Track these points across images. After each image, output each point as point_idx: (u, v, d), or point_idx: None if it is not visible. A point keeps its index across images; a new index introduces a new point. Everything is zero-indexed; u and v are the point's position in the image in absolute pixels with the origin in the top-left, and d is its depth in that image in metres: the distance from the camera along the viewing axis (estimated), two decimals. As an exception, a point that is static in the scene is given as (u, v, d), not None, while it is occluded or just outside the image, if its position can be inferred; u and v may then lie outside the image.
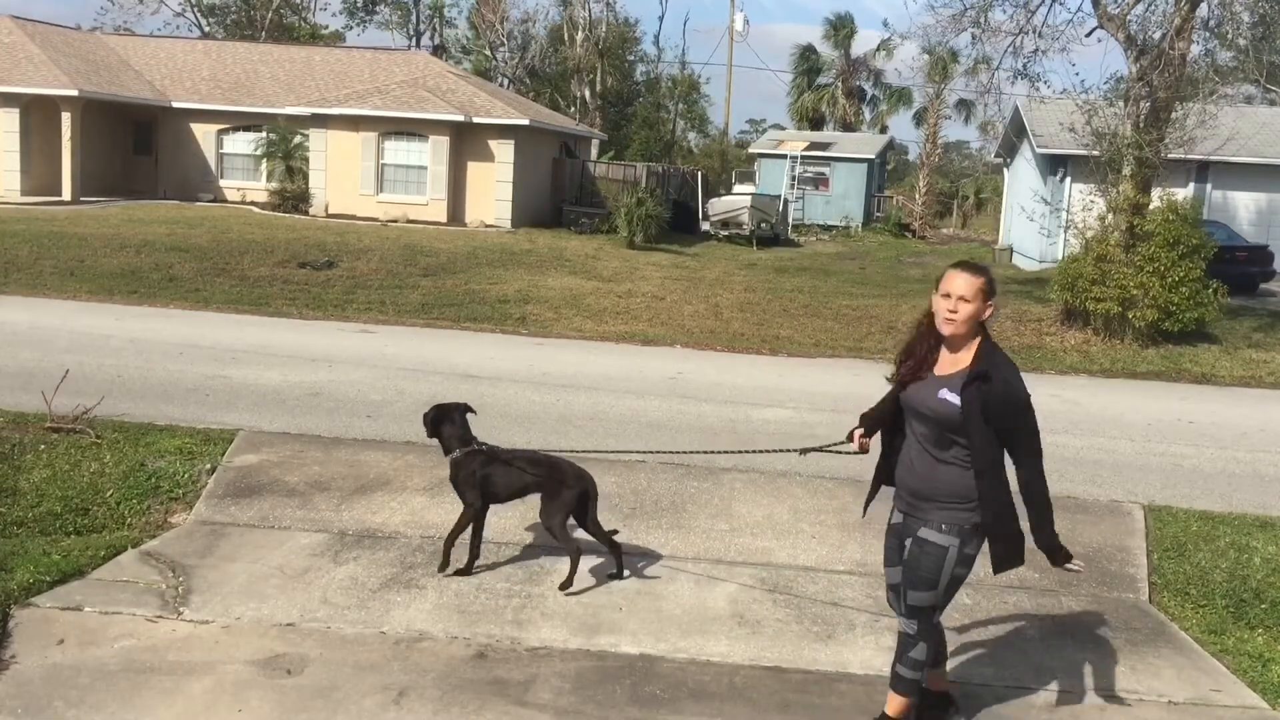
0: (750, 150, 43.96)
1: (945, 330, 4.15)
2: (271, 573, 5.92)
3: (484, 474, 5.83)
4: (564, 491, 5.74)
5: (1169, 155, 16.12)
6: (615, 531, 6.12)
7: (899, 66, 47.47)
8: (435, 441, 6.03)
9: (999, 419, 4.05)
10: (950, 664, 5.28)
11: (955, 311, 4.11)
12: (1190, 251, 14.94)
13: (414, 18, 53.68)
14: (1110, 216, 15.89)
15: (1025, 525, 4.20)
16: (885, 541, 4.54)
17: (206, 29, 49.98)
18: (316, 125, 26.61)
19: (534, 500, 7.12)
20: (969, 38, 17.54)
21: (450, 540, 5.97)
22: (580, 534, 5.92)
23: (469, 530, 5.99)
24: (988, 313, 4.14)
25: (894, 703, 4.43)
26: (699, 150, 51.58)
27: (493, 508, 6.17)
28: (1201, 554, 6.82)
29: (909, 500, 4.33)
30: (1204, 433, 10.29)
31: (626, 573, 6.10)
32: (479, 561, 6.09)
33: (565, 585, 5.78)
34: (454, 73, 31.67)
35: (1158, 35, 15.63)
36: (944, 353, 4.23)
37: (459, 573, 5.98)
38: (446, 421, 5.93)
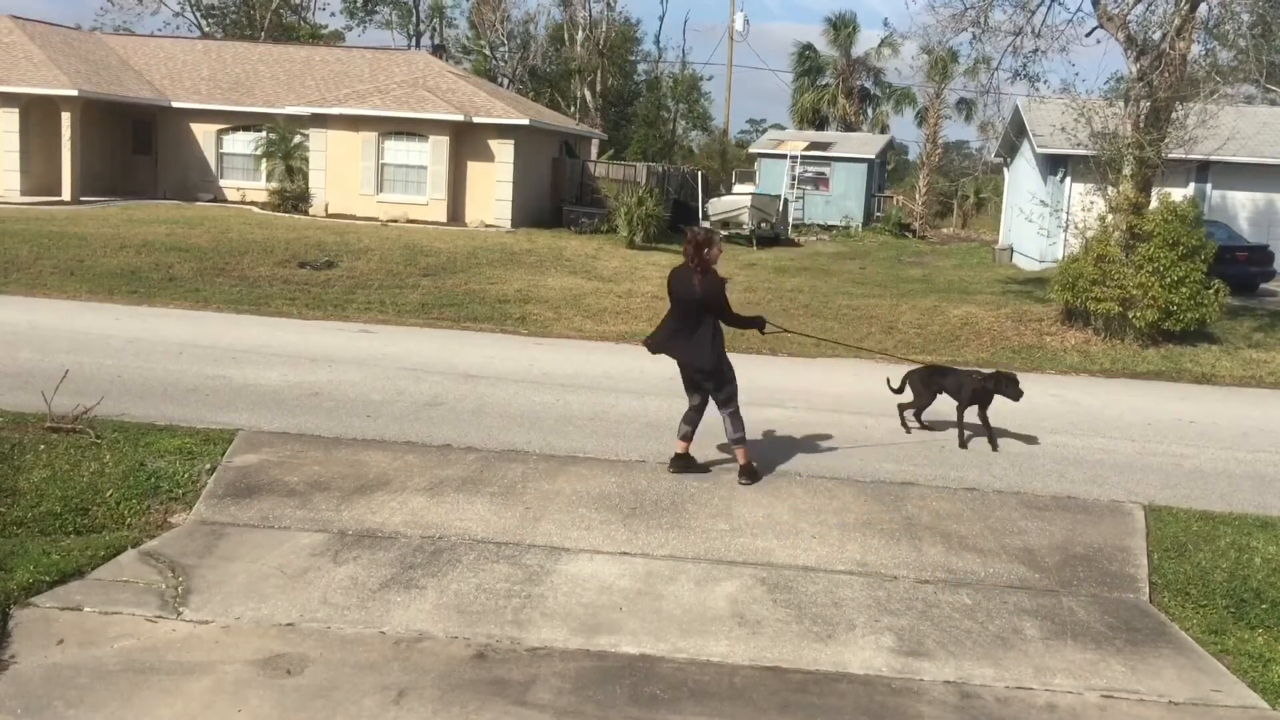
0: (750, 150, 43.85)
1: None
2: (271, 573, 5.92)
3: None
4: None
5: (1169, 155, 16.09)
6: None
7: (900, 66, 47.35)
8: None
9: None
10: (951, 664, 5.29)
11: None
12: (1190, 252, 14.91)
13: (414, 17, 53.72)
14: (1110, 216, 15.87)
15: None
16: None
17: (205, 29, 49.99)
18: (316, 125, 26.59)
19: (531, 499, 7.12)
20: (969, 37, 17.49)
21: None
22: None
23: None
24: (712, 253, 7.60)
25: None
26: (699, 150, 51.53)
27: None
28: (1202, 554, 6.82)
29: None
30: (1204, 433, 10.28)
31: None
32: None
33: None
34: (454, 72, 31.65)
35: (1158, 35, 15.60)
36: None
37: None
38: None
